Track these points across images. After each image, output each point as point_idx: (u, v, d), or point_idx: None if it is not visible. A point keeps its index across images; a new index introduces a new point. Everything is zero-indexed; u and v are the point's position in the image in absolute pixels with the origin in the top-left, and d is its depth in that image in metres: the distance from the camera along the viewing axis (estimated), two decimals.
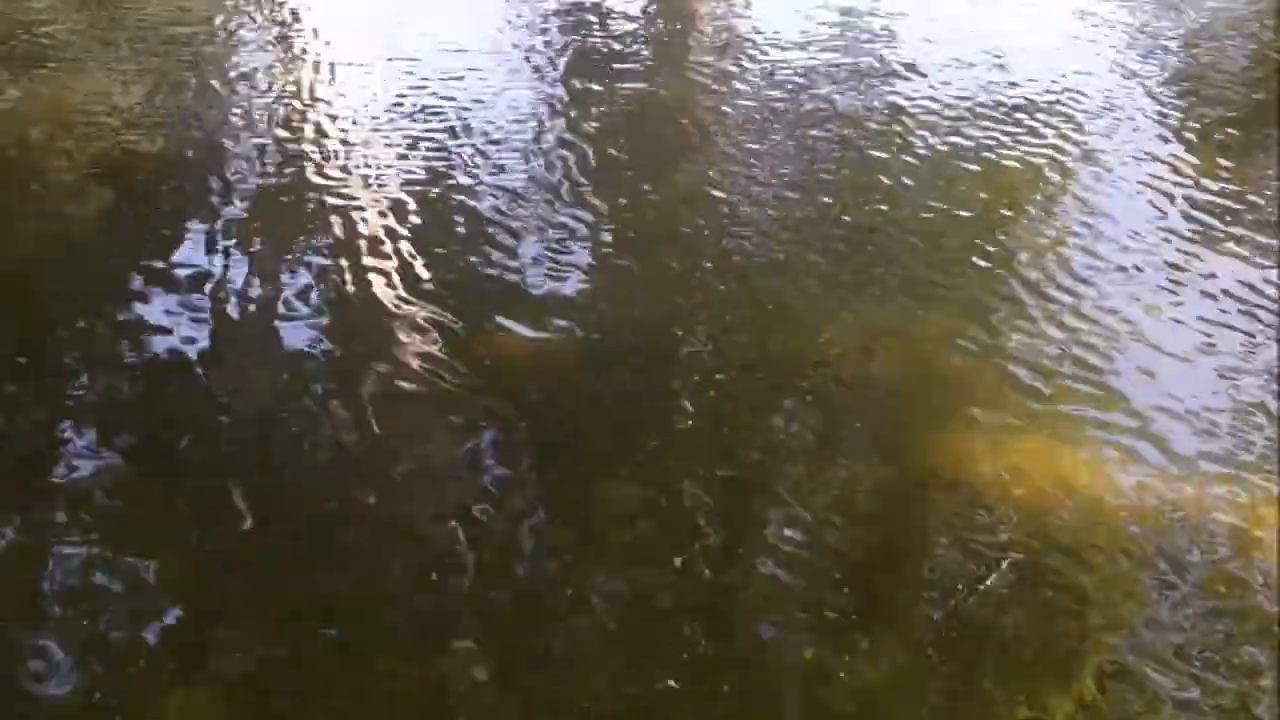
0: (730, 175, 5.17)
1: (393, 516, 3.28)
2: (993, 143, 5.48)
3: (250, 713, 2.76)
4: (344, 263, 4.46)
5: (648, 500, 3.34)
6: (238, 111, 5.72)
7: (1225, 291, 4.33)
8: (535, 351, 3.97)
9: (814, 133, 5.58)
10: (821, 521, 3.27)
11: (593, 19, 7.10)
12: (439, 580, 3.09)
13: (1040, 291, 4.31)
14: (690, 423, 3.64)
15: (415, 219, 4.75)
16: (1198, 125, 5.75)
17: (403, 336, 4.01)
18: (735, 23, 7.25)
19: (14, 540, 3.20)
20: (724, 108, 5.90)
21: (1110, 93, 6.11)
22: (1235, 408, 3.71)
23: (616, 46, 6.67)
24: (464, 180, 5.06)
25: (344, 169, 5.18)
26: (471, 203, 4.88)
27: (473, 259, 4.49)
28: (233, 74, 6.16)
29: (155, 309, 4.14)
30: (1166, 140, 5.60)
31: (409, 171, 5.15)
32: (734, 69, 6.38)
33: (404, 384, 3.79)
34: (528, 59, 6.54)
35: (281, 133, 5.51)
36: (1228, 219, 4.83)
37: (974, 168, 5.29)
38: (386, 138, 5.47)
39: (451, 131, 5.51)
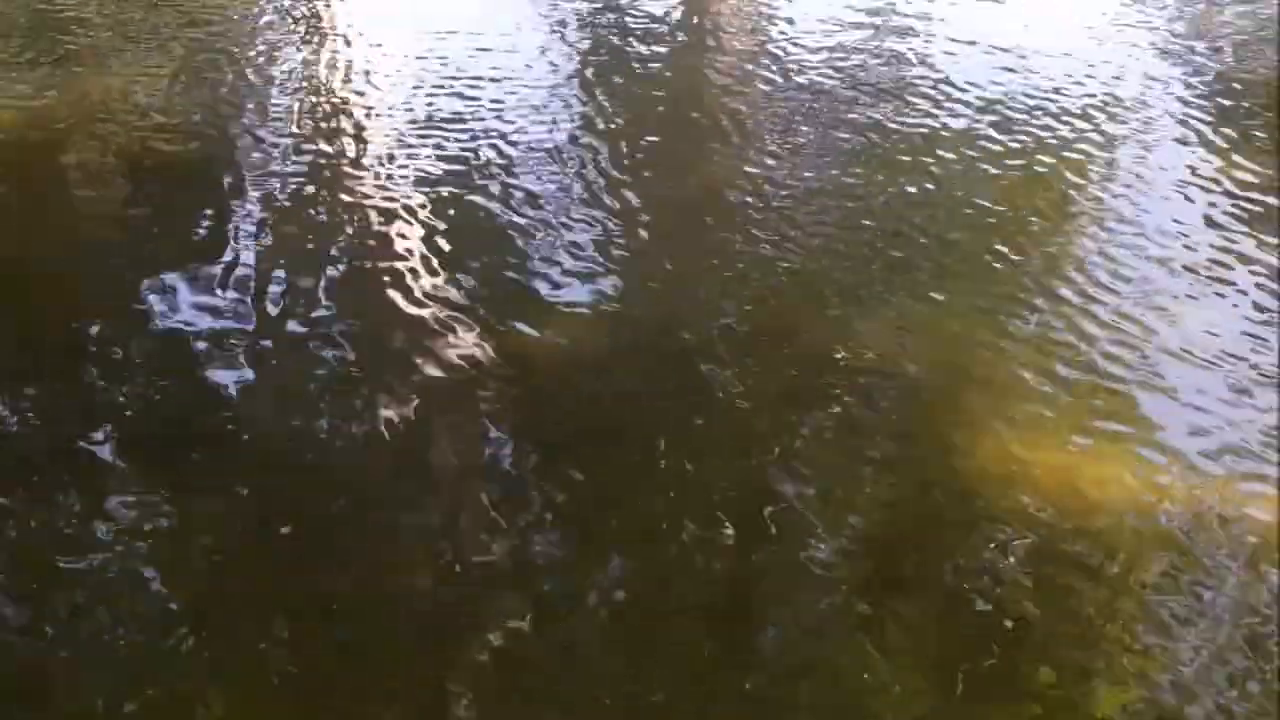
0: (753, 176, 5.13)
1: (399, 515, 3.27)
2: (1021, 145, 5.42)
3: (251, 712, 2.75)
4: (364, 261, 4.47)
5: (664, 501, 3.32)
6: (265, 108, 5.74)
7: (1254, 295, 4.26)
8: (553, 350, 3.96)
9: (839, 134, 5.54)
10: (843, 518, 3.25)
11: (617, 18, 7.09)
12: (441, 580, 3.07)
13: (1069, 293, 4.25)
14: (711, 421, 3.62)
15: (436, 218, 4.74)
16: (1228, 128, 5.65)
17: (422, 336, 4.00)
18: (761, 23, 7.21)
19: (19, 537, 3.21)
20: (747, 108, 5.87)
21: (1140, 95, 6.02)
22: (1264, 413, 3.64)
23: (640, 47, 6.65)
24: (486, 180, 5.05)
25: (367, 167, 5.19)
26: (493, 202, 4.87)
27: (493, 258, 4.48)
28: (261, 70, 6.18)
29: (177, 306, 4.15)
30: (1197, 143, 5.51)
31: (431, 170, 5.14)
32: (758, 69, 6.35)
33: (421, 382, 3.77)
34: (555, 49, 6.55)
35: (307, 131, 5.52)
36: (1257, 223, 4.74)
37: (1002, 169, 5.23)
38: (410, 137, 5.47)
39: (474, 131, 5.50)
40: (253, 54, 6.37)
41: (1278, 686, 2.78)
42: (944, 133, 5.50)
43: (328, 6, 7.17)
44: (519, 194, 4.92)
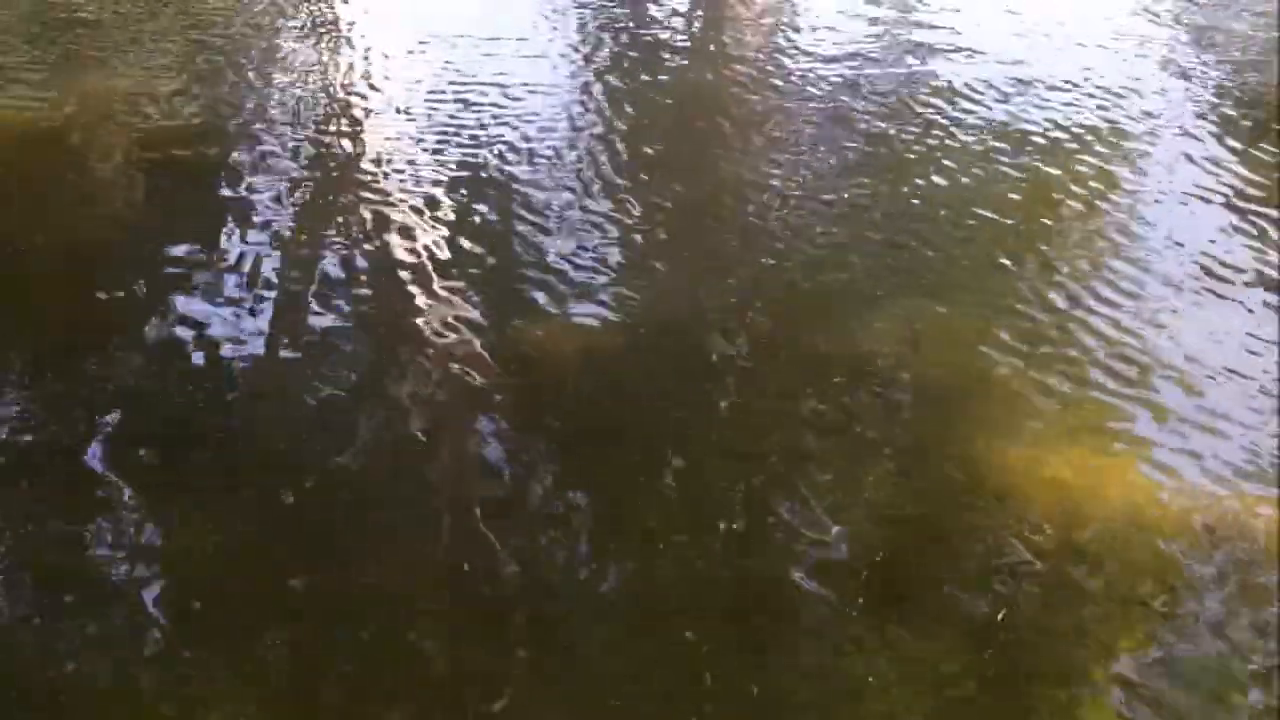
0: (765, 175, 5.15)
1: (399, 515, 3.26)
2: (1027, 157, 5.42)
3: (251, 712, 2.73)
4: (377, 256, 4.48)
5: (664, 502, 3.32)
6: (267, 110, 5.73)
7: (1269, 304, 4.26)
8: (565, 346, 3.97)
9: (851, 134, 5.56)
10: (844, 523, 3.24)
11: (630, 14, 7.10)
12: (441, 580, 3.07)
13: (1080, 300, 4.25)
14: (713, 424, 3.62)
15: (439, 220, 4.74)
16: (1243, 133, 5.67)
17: (423, 336, 3.99)
18: (775, 22, 7.22)
19: (20, 537, 3.19)
20: (760, 107, 5.89)
21: (1146, 107, 6.02)
22: (1265, 427, 3.63)
23: (653, 43, 6.66)
24: (497, 175, 5.08)
25: (377, 161, 5.21)
26: (505, 197, 4.89)
27: (505, 254, 4.49)
28: (264, 72, 6.18)
29: (178, 306, 4.14)
30: (1211, 148, 5.52)
31: (443, 165, 5.17)
32: (772, 68, 6.37)
33: (422, 382, 3.78)
34: (563, 53, 6.56)
35: (317, 124, 5.55)
36: (1261, 237, 4.73)
37: (1014, 174, 5.24)
38: (421, 130, 5.50)
39: (485, 125, 5.53)
40: (256, 55, 6.37)
41: (1276, 704, 2.77)
42: (950, 143, 5.50)
43: (331, 8, 7.17)
44: (529, 189, 4.94)
